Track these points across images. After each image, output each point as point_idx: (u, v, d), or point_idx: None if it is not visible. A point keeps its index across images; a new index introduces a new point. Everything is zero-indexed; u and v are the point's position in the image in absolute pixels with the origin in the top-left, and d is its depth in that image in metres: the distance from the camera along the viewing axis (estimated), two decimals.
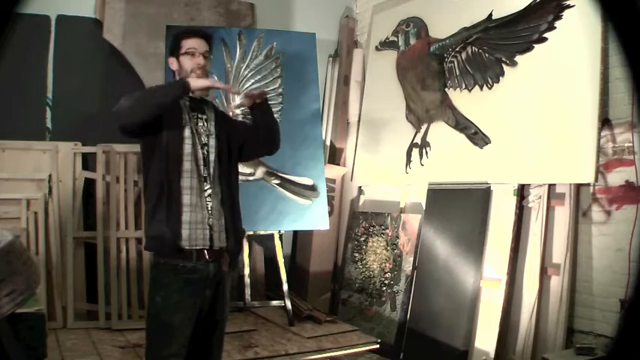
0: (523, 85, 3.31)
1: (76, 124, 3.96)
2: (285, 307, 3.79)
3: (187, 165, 2.09)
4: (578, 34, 3.04)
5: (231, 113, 3.86)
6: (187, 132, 2.11)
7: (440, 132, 3.84)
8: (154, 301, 2.09)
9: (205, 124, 2.19)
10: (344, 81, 4.74)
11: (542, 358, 2.83)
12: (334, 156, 4.72)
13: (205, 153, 2.14)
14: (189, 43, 2.17)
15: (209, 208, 2.11)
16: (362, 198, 4.52)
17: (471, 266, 3.34)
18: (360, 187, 4.55)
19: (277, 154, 3.98)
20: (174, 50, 2.21)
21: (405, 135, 4.08)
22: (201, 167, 2.12)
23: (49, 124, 3.97)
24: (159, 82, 3.56)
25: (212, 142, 2.17)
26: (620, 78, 2.90)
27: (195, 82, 2.08)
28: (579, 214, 3.08)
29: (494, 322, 3.17)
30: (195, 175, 2.10)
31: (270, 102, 3.90)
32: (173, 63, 2.22)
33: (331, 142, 4.73)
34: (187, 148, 2.10)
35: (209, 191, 2.12)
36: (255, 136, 2.35)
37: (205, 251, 2.08)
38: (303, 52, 4.08)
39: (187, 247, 2.05)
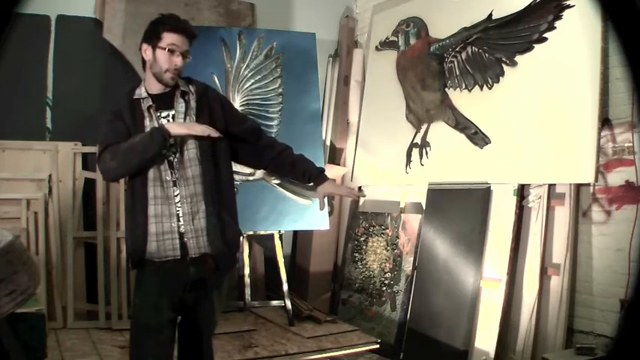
0: (523, 85, 3.31)
1: (76, 124, 3.95)
2: (285, 307, 3.79)
3: (151, 173, 1.99)
4: (578, 34, 3.04)
5: None
6: None
7: (440, 132, 3.83)
8: (134, 303, 2.11)
9: (171, 121, 2.04)
10: (344, 81, 4.74)
11: (542, 358, 2.83)
12: (334, 156, 4.72)
13: (172, 155, 2.01)
14: (171, 38, 2.00)
15: (179, 215, 2.00)
16: (362, 198, 4.52)
17: (471, 266, 3.34)
18: (360, 187, 4.54)
19: None
20: (151, 38, 2.03)
21: (405, 135, 4.08)
22: (166, 172, 2.00)
23: (49, 124, 3.97)
24: None
25: (179, 140, 2.02)
26: (620, 78, 2.90)
27: (175, 129, 1.96)
28: (579, 214, 3.08)
29: (494, 322, 3.17)
30: (158, 183, 1.99)
31: (270, 102, 3.98)
32: (147, 51, 2.03)
33: (331, 142, 4.73)
34: None
35: (179, 197, 2.00)
36: (256, 153, 2.21)
37: (176, 261, 2.00)
38: (303, 52, 4.08)
39: (157, 260, 2.00)
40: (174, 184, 2.01)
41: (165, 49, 2.00)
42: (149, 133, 1.98)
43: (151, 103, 2.05)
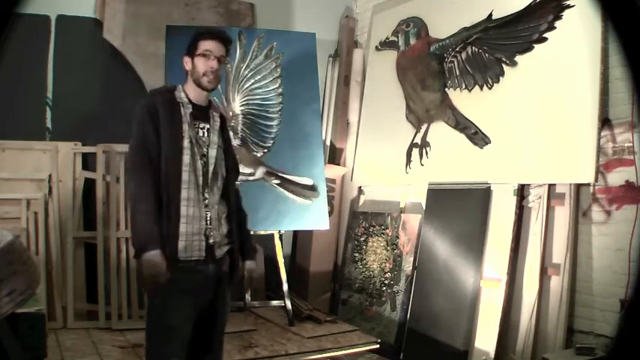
0: (523, 85, 3.31)
1: (76, 124, 3.96)
2: (285, 307, 3.80)
3: (186, 176, 2.05)
4: (578, 34, 3.04)
5: (231, 113, 3.86)
6: (186, 142, 2.07)
7: (440, 132, 3.83)
8: (153, 304, 2.10)
9: (206, 134, 2.16)
10: (344, 81, 4.74)
11: (542, 358, 2.83)
12: (334, 156, 4.72)
13: (204, 164, 2.11)
14: (205, 45, 2.12)
15: (208, 219, 2.09)
16: (362, 198, 4.52)
17: (471, 266, 3.34)
18: (360, 187, 4.55)
19: (277, 154, 4.01)
20: (190, 50, 2.16)
21: (405, 135, 4.08)
22: (200, 178, 2.09)
23: (49, 124, 3.97)
24: (159, 82, 3.57)
25: (212, 152, 2.14)
26: (620, 78, 2.90)
27: (147, 263, 1.94)
28: (579, 214, 3.08)
29: (494, 322, 3.17)
30: (193, 186, 2.07)
31: (270, 102, 3.99)
32: (187, 63, 2.16)
33: (331, 142, 4.73)
34: (186, 159, 2.06)
35: (207, 201, 2.10)
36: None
37: (198, 261, 2.07)
38: (303, 52, 4.08)
39: (183, 258, 2.04)
40: (204, 191, 2.10)
41: (201, 55, 2.11)
42: (145, 236, 1.98)
43: (192, 110, 2.12)
